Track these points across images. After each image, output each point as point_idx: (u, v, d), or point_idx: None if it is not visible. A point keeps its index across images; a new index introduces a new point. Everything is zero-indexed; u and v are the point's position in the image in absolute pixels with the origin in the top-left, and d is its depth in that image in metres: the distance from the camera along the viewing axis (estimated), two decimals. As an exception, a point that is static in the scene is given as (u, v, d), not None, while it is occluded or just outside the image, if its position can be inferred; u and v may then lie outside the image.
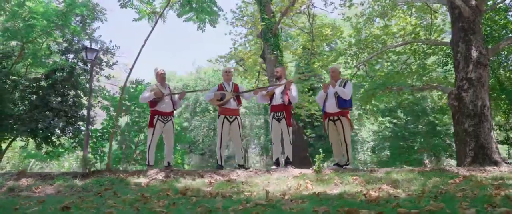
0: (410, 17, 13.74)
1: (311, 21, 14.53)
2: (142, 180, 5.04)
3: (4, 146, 13.54)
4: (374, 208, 3.00)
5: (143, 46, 6.45)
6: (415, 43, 12.92)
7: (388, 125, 20.12)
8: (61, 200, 3.60)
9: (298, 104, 15.75)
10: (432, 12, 13.20)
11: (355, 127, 20.78)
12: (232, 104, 6.91)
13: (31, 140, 13.52)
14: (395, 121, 19.83)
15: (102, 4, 13.70)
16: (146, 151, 6.75)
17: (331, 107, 6.65)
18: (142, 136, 14.67)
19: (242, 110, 28.85)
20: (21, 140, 13.97)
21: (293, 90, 6.96)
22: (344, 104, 6.59)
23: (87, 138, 8.54)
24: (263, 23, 11.89)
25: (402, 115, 19.86)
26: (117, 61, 14.60)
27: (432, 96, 16.41)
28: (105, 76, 14.86)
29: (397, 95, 14.05)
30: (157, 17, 6.80)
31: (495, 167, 6.20)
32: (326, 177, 5.00)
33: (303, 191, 4.18)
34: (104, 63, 14.28)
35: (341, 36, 15.97)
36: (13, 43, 12.88)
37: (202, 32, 7.89)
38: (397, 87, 11.95)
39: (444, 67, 13.64)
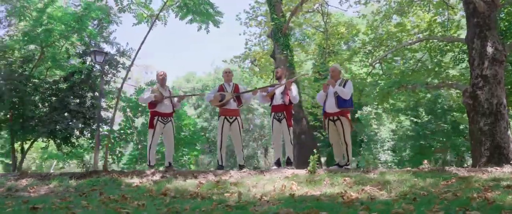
0: (427, 13, 13.39)
1: (325, 20, 14.38)
2: (136, 180, 5.13)
3: (26, 147, 14.04)
4: (338, 209, 2.96)
5: (139, 49, 6.55)
6: (431, 40, 12.57)
7: (408, 123, 19.67)
8: (45, 200, 3.71)
9: (315, 103, 15.62)
10: (449, 8, 12.81)
11: (375, 126, 20.42)
12: (232, 105, 6.92)
13: (51, 141, 13.98)
14: (415, 119, 19.36)
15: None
16: (147, 151, 6.85)
17: (331, 106, 6.56)
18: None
19: (261, 110, 28.88)
20: (42, 141, 14.45)
21: (294, 90, 6.92)
22: (343, 104, 6.49)
23: (98, 139, 8.76)
24: (273, 23, 11.85)
25: (423, 114, 19.37)
26: (131, 64, 14.88)
27: (451, 94, 15.94)
28: (122, 78, 15.14)
29: (413, 94, 13.72)
30: (154, 19, 6.89)
31: (498, 168, 5.97)
32: (317, 178, 4.94)
33: (286, 192, 4.15)
34: (120, 65, 14.58)
35: (357, 34, 15.74)
36: (32, 47, 13.32)
37: (207, 33, 7.93)
38: (412, 85, 11.67)
39: (461, 65, 13.20)
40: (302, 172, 5.46)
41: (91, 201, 3.61)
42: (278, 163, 6.96)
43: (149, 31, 6.61)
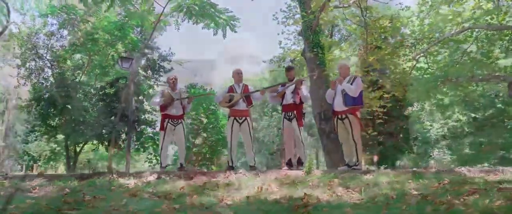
0: (479, 1, 12.32)
1: (365, 14, 13.75)
2: (131, 181, 5.27)
3: (77, 149, 15.09)
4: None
5: (145, 51, 6.73)
6: (477, 29, 11.56)
7: (464, 119, 18.22)
8: (22, 200, 3.95)
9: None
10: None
11: (427, 123, 19.23)
12: (241, 105, 6.89)
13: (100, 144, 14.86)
14: (473, 115, 17.90)
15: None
16: (159, 153, 7.04)
17: (338, 104, 6.30)
18: (200, 138, 15.34)
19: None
20: (92, 144, 15.42)
21: (304, 89, 6.77)
22: (351, 102, 6.18)
23: (129, 142, 9.16)
24: (303, 20, 11.58)
25: (481, 108, 17.87)
26: (172, 68, 15.39)
27: (505, 87, 14.46)
28: (164, 82, 15.70)
29: (461, 88, 12.72)
30: (155, 23, 7.06)
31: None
32: (308, 180, 4.76)
33: (261, 195, 4.04)
34: (162, 69, 15.13)
35: (405, 25, 14.90)
36: (78, 56, 14.26)
37: (224, 37, 7.97)
38: (456, 78, 10.81)
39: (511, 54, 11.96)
40: (297, 173, 5.28)
41: (54, 202, 3.78)
42: (289, 164, 6.81)
43: (150, 35, 6.79)
